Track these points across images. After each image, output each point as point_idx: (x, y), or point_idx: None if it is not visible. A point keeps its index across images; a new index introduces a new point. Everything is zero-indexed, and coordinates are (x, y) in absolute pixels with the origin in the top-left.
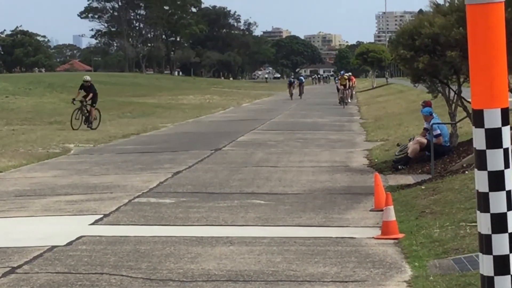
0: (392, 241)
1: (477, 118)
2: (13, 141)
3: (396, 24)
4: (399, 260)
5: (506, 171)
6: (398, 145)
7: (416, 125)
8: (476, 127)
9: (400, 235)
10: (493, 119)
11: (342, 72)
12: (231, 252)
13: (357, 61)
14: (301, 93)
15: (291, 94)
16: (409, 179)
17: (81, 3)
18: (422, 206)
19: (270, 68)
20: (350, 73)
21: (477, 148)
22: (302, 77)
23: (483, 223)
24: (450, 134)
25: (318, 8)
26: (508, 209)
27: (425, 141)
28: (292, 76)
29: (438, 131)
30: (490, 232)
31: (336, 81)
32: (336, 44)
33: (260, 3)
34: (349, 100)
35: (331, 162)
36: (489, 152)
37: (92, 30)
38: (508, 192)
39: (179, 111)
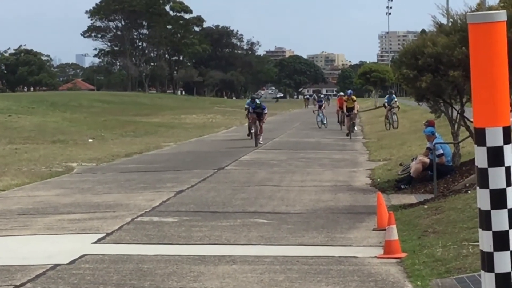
0: (394, 260)
1: (479, 137)
2: (16, 160)
3: (399, 44)
4: (402, 280)
5: (508, 189)
6: (401, 164)
7: (419, 145)
8: (478, 146)
9: (403, 254)
10: (495, 137)
11: (349, 91)
12: (233, 271)
13: (360, 80)
14: (257, 135)
15: (251, 132)
16: (411, 198)
17: (84, 22)
18: (424, 225)
19: (273, 88)
20: (341, 93)
21: (479, 166)
22: (261, 102)
23: (485, 240)
24: (453, 154)
25: (321, 28)
26: (510, 227)
27: (427, 160)
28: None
29: (441, 151)
30: (492, 250)
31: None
32: (339, 63)
33: (262, 23)
34: (355, 129)
35: (334, 181)
36: (491, 170)
37: (95, 49)
38: (510, 210)
39: (182, 130)
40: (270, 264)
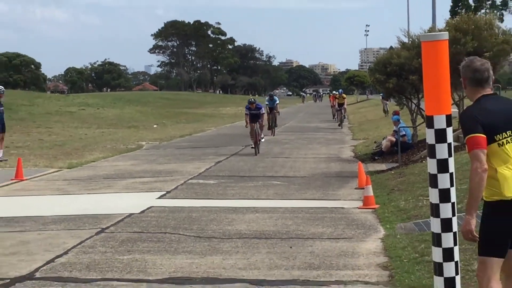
0: (370, 210)
1: (429, 122)
2: (102, 140)
3: (374, 56)
4: (375, 224)
5: (450, 159)
6: (375, 142)
7: (388, 128)
8: (428, 128)
9: (376, 206)
10: (440, 122)
11: (340, 91)
12: (256, 218)
13: (345, 83)
14: (257, 141)
15: (255, 140)
16: (382, 166)
17: (151, 42)
18: (391, 185)
19: (284, 88)
20: (334, 91)
21: (429, 143)
22: (272, 98)
23: (433, 195)
24: (412, 135)
25: (319, 44)
26: (451, 186)
27: (394, 139)
28: (252, 99)
29: (404, 133)
30: (438, 202)
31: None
32: (331, 71)
33: (277, 41)
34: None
35: (327, 154)
36: (437, 146)
37: (158, 61)
38: (451, 174)
39: (220, 119)
40: (282, 213)
